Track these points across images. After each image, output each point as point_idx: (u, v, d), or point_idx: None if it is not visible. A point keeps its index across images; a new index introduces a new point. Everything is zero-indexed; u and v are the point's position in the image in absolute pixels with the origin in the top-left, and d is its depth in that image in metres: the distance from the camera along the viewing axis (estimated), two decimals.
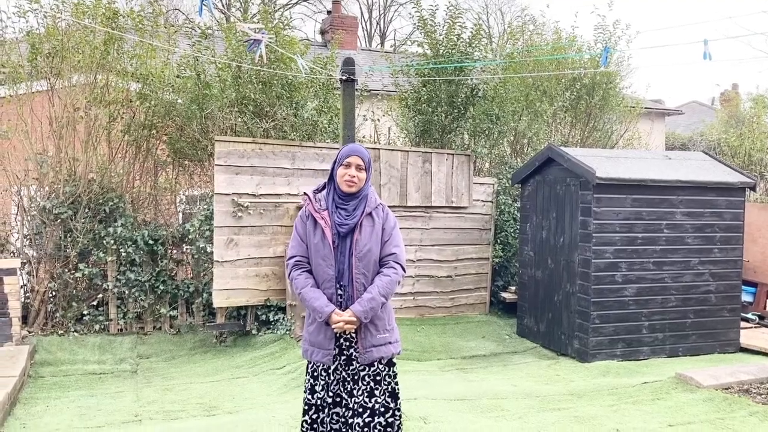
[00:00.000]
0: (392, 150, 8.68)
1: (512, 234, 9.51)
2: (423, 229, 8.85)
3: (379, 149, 8.57)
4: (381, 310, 3.46)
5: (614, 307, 7.21)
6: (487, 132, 9.73)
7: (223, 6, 21.24)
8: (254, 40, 5.62)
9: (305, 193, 3.60)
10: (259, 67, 7.87)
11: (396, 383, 3.61)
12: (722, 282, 7.64)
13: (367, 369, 3.49)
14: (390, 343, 3.55)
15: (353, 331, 3.44)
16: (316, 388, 3.53)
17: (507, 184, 9.88)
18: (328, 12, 18.80)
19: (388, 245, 3.50)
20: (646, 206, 7.31)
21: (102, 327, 7.76)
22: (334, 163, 3.55)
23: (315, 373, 3.55)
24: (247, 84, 8.11)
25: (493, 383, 6.25)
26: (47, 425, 5.13)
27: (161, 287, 7.92)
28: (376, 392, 3.49)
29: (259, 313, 7.77)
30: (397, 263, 3.49)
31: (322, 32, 18.69)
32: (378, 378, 3.51)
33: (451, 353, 7.68)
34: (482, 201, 9.32)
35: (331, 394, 3.51)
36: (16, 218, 7.99)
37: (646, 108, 14.91)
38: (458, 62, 9.01)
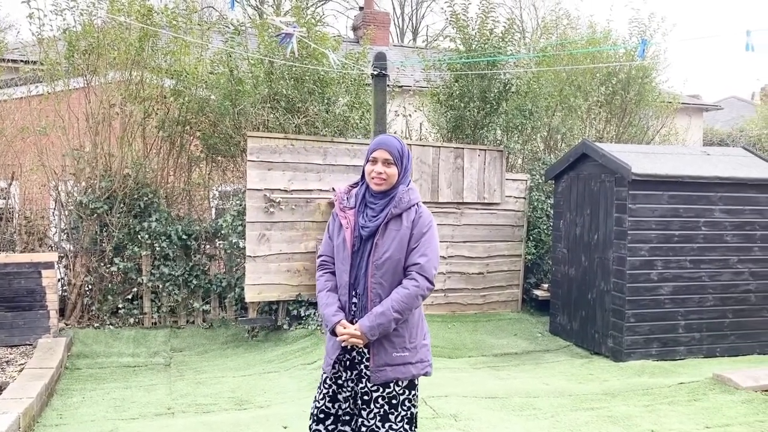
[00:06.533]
0: (424, 146, 8.64)
1: (545, 231, 9.39)
2: (454, 226, 8.80)
3: (410, 145, 8.53)
4: (401, 325, 3.06)
5: (650, 306, 7.08)
6: (520, 127, 9.62)
7: (256, 2, 21.37)
8: (286, 33, 5.64)
9: (333, 189, 3.39)
10: (291, 63, 7.90)
11: (415, 407, 3.19)
12: (763, 281, 7.44)
13: (381, 390, 3.07)
14: (411, 363, 3.09)
15: (364, 346, 3.06)
16: (318, 396, 3.23)
17: (540, 180, 9.76)
18: (360, 8, 18.78)
19: (414, 253, 3.03)
20: (683, 203, 7.16)
21: (136, 320, 7.88)
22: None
23: (322, 379, 3.24)
24: (279, 80, 8.14)
25: (525, 381, 6.19)
26: (83, 416, 5.22)
27: (194, 282, 8.01)
28: (391, 417, 3.08)
29: (290, 308, 7.80)
30: (421, 275, 3.01)
31: (354, 28, 18.71)
32: (394, 402, 3.09)
33: (483, 350, 7.63)
34: (515, 197, 9.22)
35: (336, 406, 3.20)
36: (53, 213, 8.15)
37: (683, 103, 14.61)
38: (491, 57, 8.91)
